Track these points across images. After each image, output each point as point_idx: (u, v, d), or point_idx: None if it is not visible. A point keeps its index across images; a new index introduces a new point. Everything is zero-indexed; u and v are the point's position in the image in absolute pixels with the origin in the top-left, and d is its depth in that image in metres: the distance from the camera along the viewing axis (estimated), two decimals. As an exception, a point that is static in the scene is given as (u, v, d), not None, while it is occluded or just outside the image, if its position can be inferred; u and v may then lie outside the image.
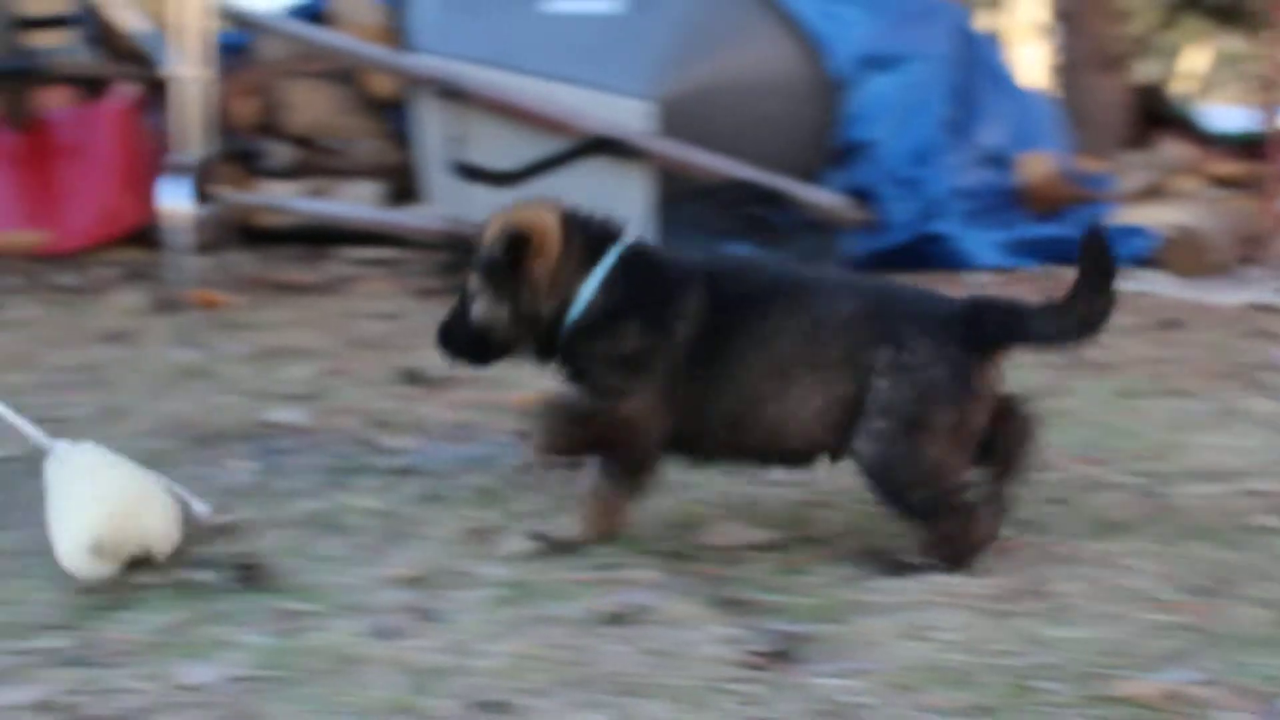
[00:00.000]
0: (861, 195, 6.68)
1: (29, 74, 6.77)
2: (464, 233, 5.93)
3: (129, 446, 3.49)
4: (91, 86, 7.49)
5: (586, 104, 5.84)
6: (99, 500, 2.57)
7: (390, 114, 7.73)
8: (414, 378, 4.25)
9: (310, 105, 7.78)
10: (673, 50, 6.02)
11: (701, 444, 2.66)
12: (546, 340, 2.62)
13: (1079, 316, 2.53)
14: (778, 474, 3.21)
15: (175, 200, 5.43)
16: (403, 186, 7.51)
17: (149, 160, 7.16)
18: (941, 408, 2.48)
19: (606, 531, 2.69)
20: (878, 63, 7.26)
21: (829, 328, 2.54)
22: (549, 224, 2.58)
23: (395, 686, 2.12)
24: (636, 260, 2.61)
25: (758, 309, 2.57)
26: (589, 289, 2.56)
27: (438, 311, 5.05)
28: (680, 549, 2.74)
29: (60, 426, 3.73)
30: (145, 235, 6.98)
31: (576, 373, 2.62)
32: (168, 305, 5.38)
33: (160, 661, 2.22)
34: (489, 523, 2.88)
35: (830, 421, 2.56)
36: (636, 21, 6.00)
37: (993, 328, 2.56)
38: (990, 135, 7.47)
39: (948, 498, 2.54)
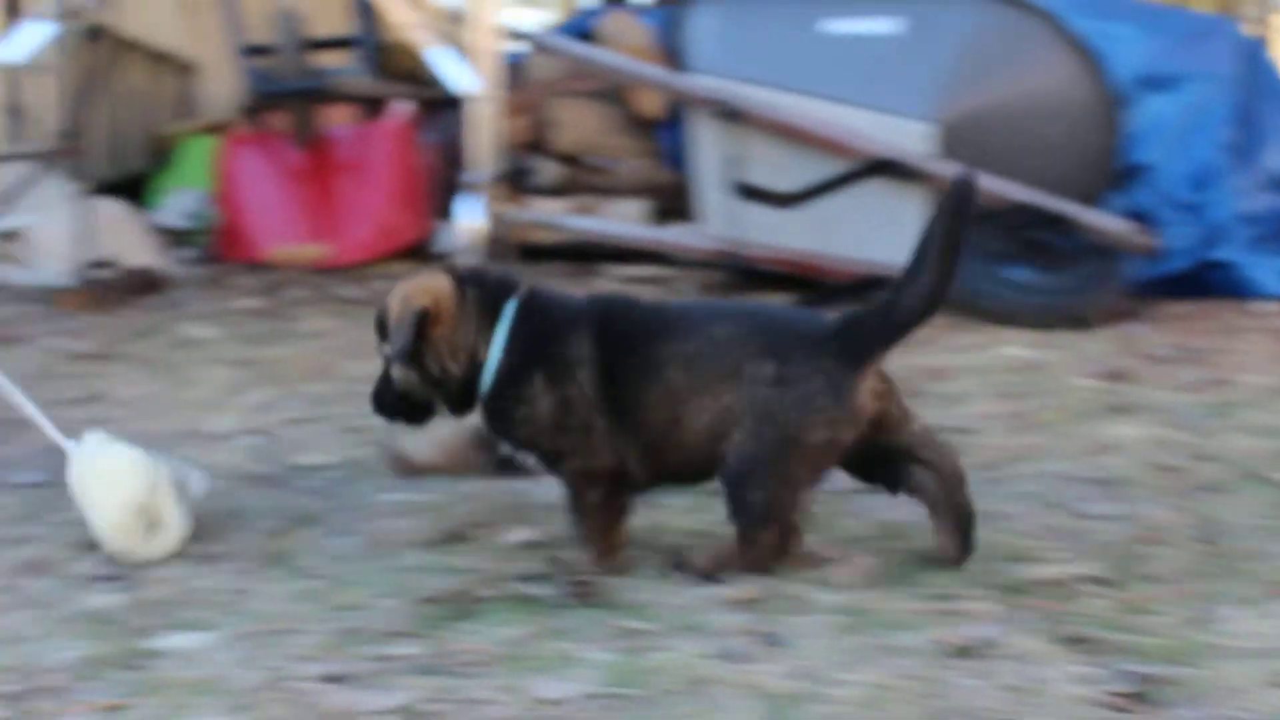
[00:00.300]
0: (1139, 220, 6.48)
1: (315, 93, 7.01)
2: (738, 252, 5.96)
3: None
4: (370, 105, 7.74)
5: (866, 126, 5.80)
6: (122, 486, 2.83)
7: (656, 133, 7.80)
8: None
9: (578, 124, 7.88)
10: (954, 72, 5.94)
11: (633, 477, 2.72)
12: (462, 397, 2.73)
13: (930, 288, 2.58)
14: (1101, 507, 3.13)
15: (469, 217, 5.55)
16: (668, 205, 7.56)
17: (423, 178, 7.37)
18: (811, 420, 2.56)
19: (617, 555, 2.75)
20: (1155, 83, 7.02)
21: (710, 351, 2.62)
22: (443, 292, 2.68)
23: (753, 712, 2.11)
24: (531, 312, 2.69)
25: (644, 342, 2.64)
26: (496, 349, 2.67)
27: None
28: (1012, 583, 2.68)
29: (360, 436, 3.87)
30: (420, 250, 7.20)
31: (503, 431, 2.74)
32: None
33: (513, 674, 2.25)
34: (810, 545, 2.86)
35: (723, 436, 2.60)
36: (917, 43, 5.93)
37: (864, 336, 2.61)
38: (1277, 158, 7.17)
39: (783, 509, 2.60)
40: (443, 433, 2.99)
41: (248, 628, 2.47)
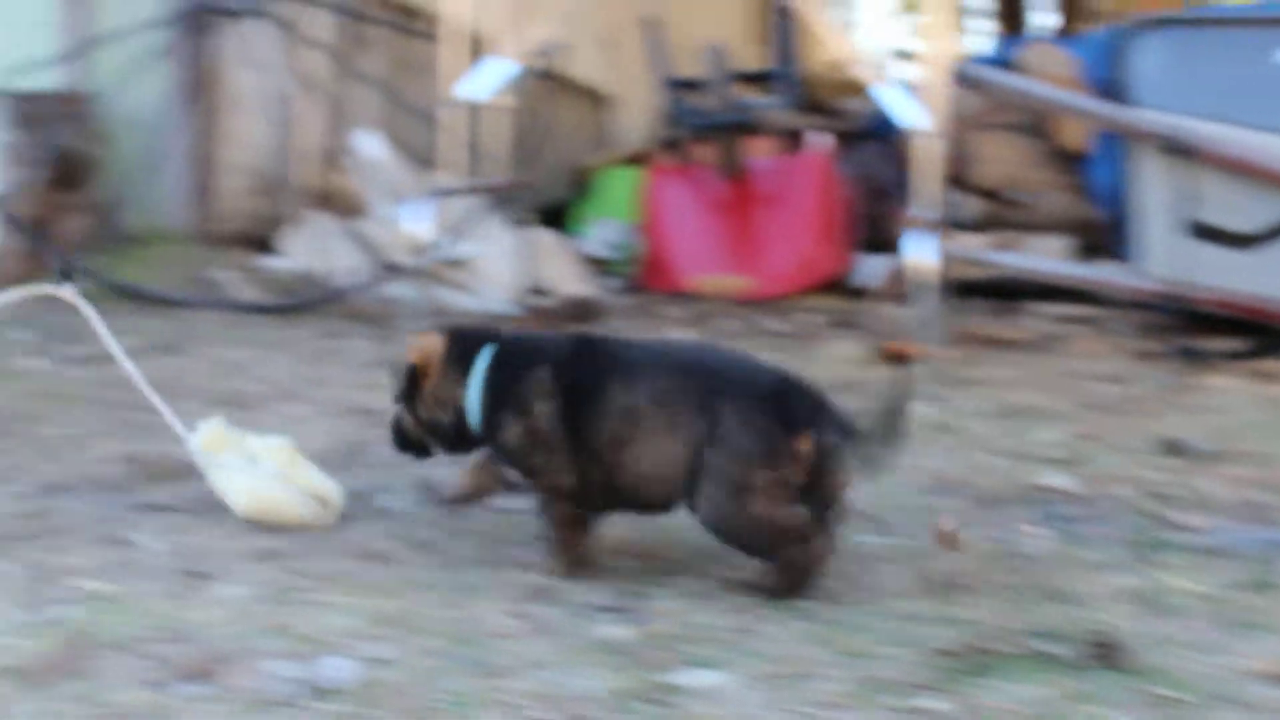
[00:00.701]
0: None
1: (742, 126, 7.10)
2: (1183, 294, 5.70)
3: (908, 502, 3.54)
4: (788, 138, 7.79)
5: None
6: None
7: (1080, 167, 7.58)
8: (1175, 449, 4.07)
9: (1000, 158, 7.74)
10: None
11: (589, 498, 2.97)
12: (453, 439, 3.09)
13: (872, 444, 2.81)
14: None
15: (919, 254, 5.50)
16: (1090, 241, 7.33)
17: (843, 211, 7.36)
18: (759, 471, 2.77)
19: (581, 565, 2.99)
20: None
21: (663, 401, 2.86)
22: (432, 350, 3.04)
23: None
24: (500, 358, 3.01)
25: (594, 389, 2.90)
26: (473, 397, 3.00)
27: (1163, 376, 4.86)
28: None
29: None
30: (839, 284, 7.19)
31: (498, 455, 3.08)
32: (888, 356, 5.45)
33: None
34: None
35: (673, 478, 2.86)
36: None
37: (797, 412, 2.81)
38: None
39: (780, 536, 2.80)
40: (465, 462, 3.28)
41: (763, 669, 2.47)
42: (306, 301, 5.68)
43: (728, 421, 2.81)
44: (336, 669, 2.39)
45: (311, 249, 6.28)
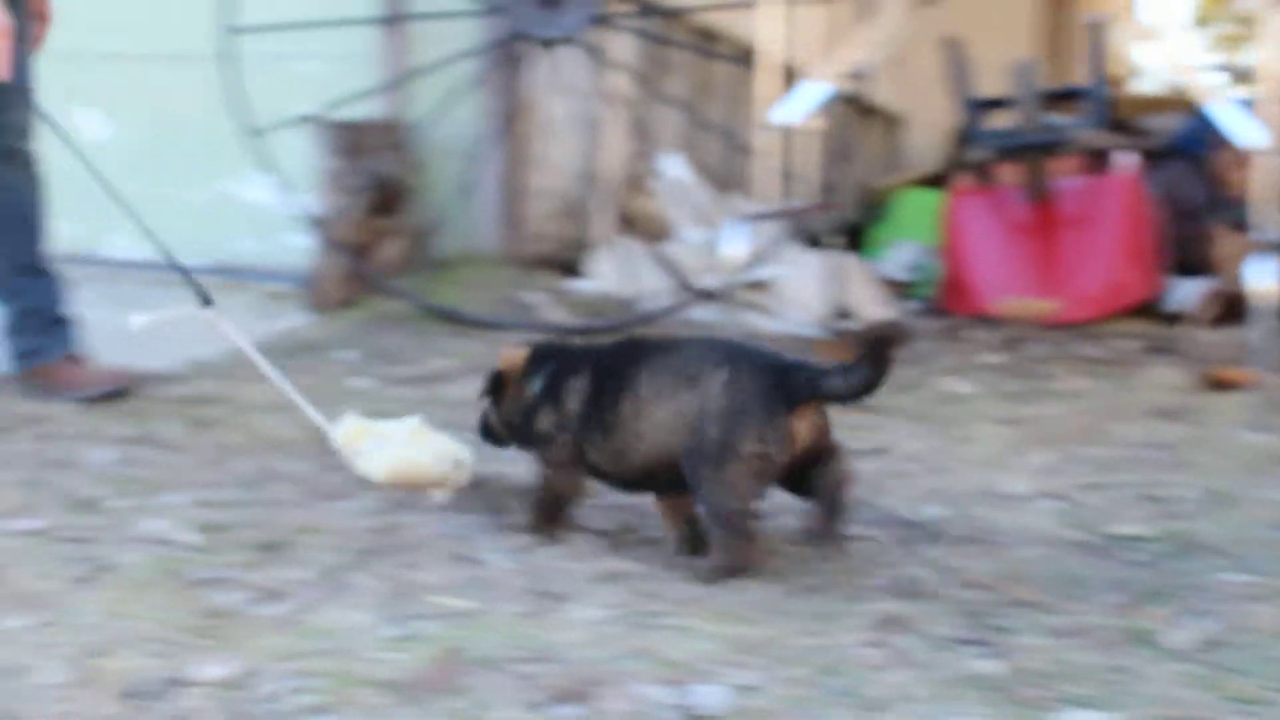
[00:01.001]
0: None
1: (1051, 147, 6.90)
2: None
3: (1261, 536, 3.37)
4: (1095, 158, 7.54)
5: None
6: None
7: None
8: None
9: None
10: None
11: (603, 474, 3.33)
12: (523, 436, 3.47)
13: (863, 378, 3.02)
14: None
15: (1260, 278, 5.26)
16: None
17: (1153, 232, 7.09)
18: (744, 442, 3.03)
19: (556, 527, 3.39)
20: None
21: (671, 384, 3.17)
22: (517, 361, 3.48)
23: None
24: (554, 370, 3.42)
25: (624, 378, 3.24)
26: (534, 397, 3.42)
27: None
28: None
29: (1163, 506, 3.70)
30: (1150, 308, 6.92)
31: (522, 439, 3.50)
32: (1216, 383, 5.21)
33: None
34: None
35: (678, 450, 3.12)
36: None
37: (794, 385, 3.07)
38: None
39: (735, 515, 3.05)
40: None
41: (1148, 711, 2.36)
42: (617, 323, 5.74)
43: (724, 396, 3.09)
44: (709, 695, 2.37)
45: (617, 271, 6.35)
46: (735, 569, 3.05)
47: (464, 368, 5.19)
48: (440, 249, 6.32)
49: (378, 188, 6.22)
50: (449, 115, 6.28)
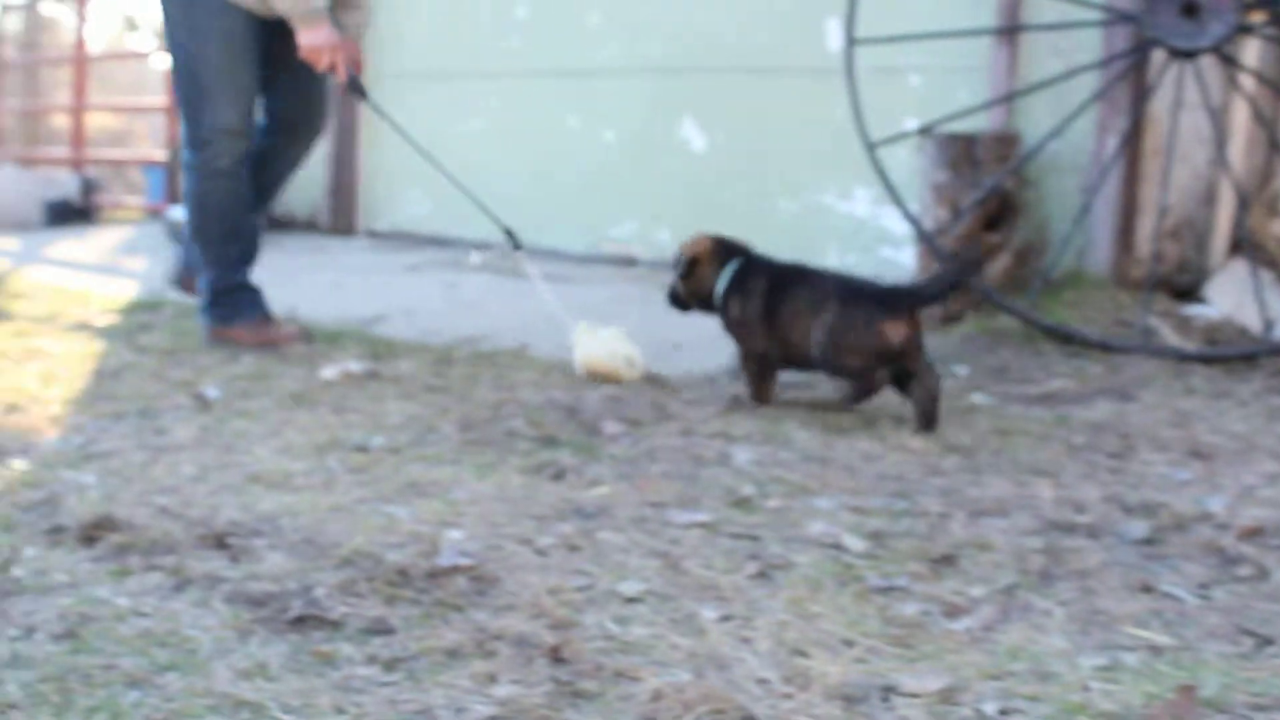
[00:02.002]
0: None
1: None
2: None
3: None
4: None
5: None
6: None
7: None
8: None
9: None
10: None
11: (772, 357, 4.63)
12: (706, 305, 4.78)
13: (949, 282, 4.52)
14: None
15: None
16: None
17: None
18: (857, 335, 4.38)
19: (767, 399, 4.71)
20: None
21: (818, 297, 4.49)
22: (706, 249, 4.74)
23: None
24: (742, 268, 4.69)
25: (787, 288, 4.58)
26: (722, 285, 4.69)
27: None
28: None
29: None
30: None
31: (726, 325, 4.75)
32: None
33: None
34: None
35: (813, 341, 4.47)
36: None
37: (895, 299, 4.41)
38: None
39: (860, 373, 4.43)
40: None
41: None
42: (1249, 352, 5.36)
43: (844, 310, 4.41)
44: None
45: (1238, 297, 5.95)
46: (865, 396, 4.48)
47: (1087, 390, 4.98)
48: (1049, 266, 6.11)
49: (988, 202, 6.09)
50: (1065, 129, 6.07)
